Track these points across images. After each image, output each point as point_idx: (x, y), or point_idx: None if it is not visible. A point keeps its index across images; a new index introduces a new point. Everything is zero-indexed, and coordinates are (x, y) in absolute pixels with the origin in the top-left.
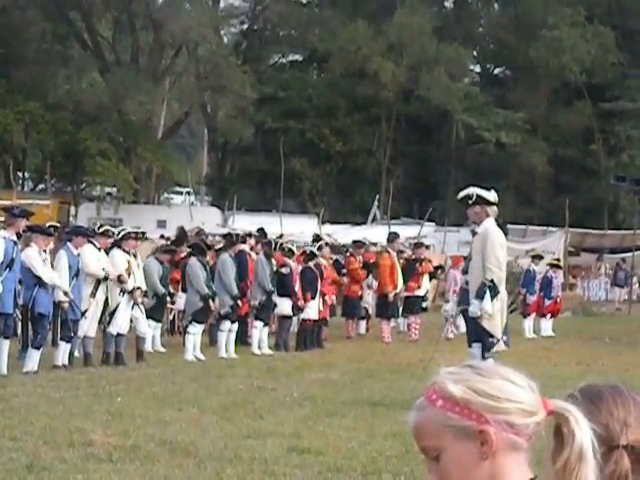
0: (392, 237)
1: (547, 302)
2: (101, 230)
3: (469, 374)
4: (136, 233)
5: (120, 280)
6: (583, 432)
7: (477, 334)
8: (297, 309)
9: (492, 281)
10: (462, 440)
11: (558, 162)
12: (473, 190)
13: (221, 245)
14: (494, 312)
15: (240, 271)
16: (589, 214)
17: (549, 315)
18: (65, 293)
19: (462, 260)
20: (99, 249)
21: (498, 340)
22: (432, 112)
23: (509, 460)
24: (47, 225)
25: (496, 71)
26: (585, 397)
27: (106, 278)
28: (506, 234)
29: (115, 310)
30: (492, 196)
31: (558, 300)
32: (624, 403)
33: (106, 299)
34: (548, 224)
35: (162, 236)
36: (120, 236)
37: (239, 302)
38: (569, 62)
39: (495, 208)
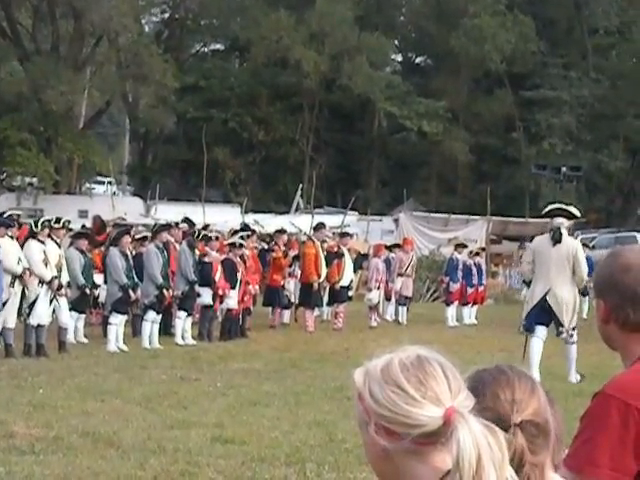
0: (319, 227)
1: (469, 290)
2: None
3: (379, 369)
4: (48, 221)
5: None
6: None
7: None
8: (218, 299)
9: None
10: (364, 433)
11: (479, 151)
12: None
13: (143, 235)
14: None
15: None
16: (510, 202)
17: (471, 303)
18: None
19: (384, 249)
20: (12, 237)
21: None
22: (354, 101)
23: (409, 460)
24: None
25: (418, 60)
26: (469, 385)
27: (21, 276)
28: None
29: (34, 301)
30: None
31: (480, 288)
32: (508, 382)
33: (23, 289)
34: (470, 212)
35: (84, 226)
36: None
37: (164, 292)
38: (490, 51)
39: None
